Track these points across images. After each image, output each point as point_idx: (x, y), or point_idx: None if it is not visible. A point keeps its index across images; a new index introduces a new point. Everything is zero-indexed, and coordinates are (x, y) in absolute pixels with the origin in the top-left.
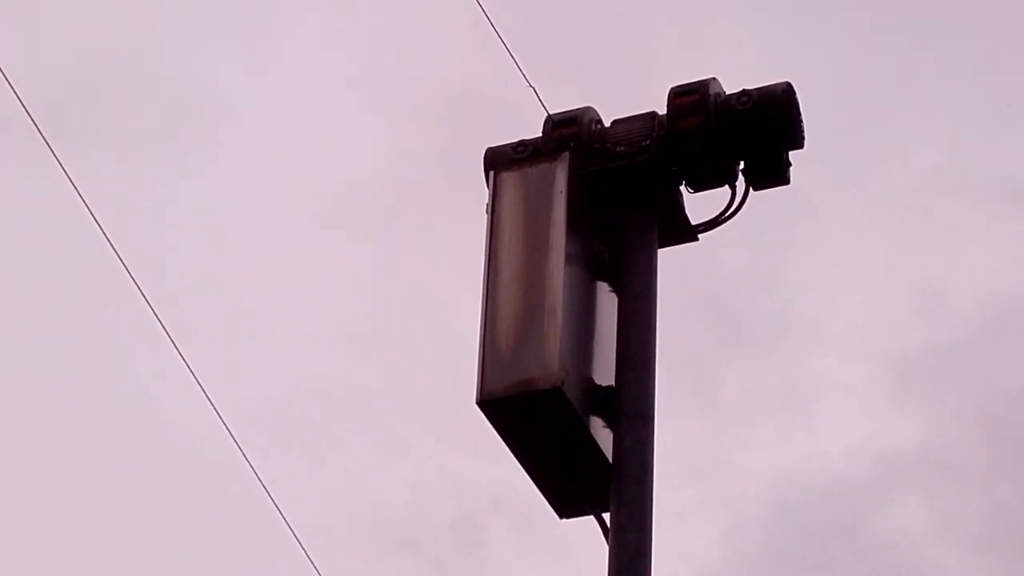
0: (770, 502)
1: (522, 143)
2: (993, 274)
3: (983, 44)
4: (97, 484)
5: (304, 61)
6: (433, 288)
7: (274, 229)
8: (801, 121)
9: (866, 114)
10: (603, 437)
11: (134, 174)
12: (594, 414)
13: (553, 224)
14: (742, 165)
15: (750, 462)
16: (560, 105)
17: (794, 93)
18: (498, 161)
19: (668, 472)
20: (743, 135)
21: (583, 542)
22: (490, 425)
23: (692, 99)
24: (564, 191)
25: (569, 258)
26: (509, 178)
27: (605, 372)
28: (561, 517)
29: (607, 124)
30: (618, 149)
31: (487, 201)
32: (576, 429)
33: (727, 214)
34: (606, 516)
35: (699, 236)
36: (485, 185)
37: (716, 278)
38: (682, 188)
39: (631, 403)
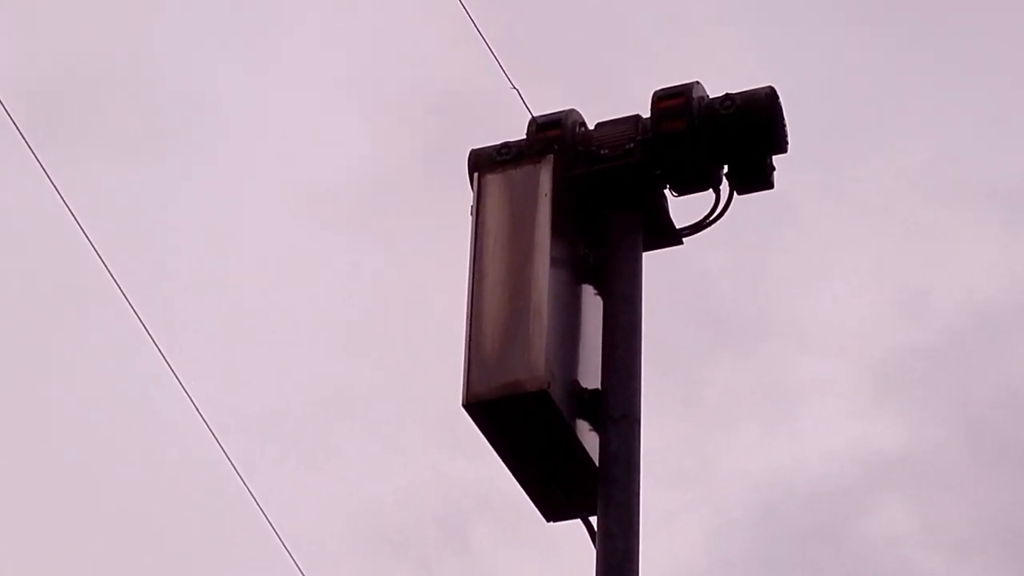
0: (754, 504)
1: (506, 145)
2: (976, 277)
3: (967, 47)
4: (85, 486)
5: (295, 61)
6: (421, 288)
7: (264, 229)
8: (784, 125)
9: (850, 117)
10: (589, 440)
11: (126, 175)
12: (580, 417)
13: (538, 226)
14: (726, 169)
15: (734, 464)
16: (544, 107)
17: (777, 97)
18: (482, 163)
19: (652, 474)
20: (727, 139)
21: (570, 542)
22: (476, 428)
23: (676, 102)
24: (549, 194)
25: (554, 261)
26: (494, 180)
27: (591, 375)
28: (548, 520)
29: (591, 127)
30: (602, 152)
31: (472, 203)
32: (562, 432)
33: (711, 218)
34: (593, 520)
35: (683, 239)
36: (469, 187)
37: (700, 280)
38: (666, 191)
39: (617, 406)
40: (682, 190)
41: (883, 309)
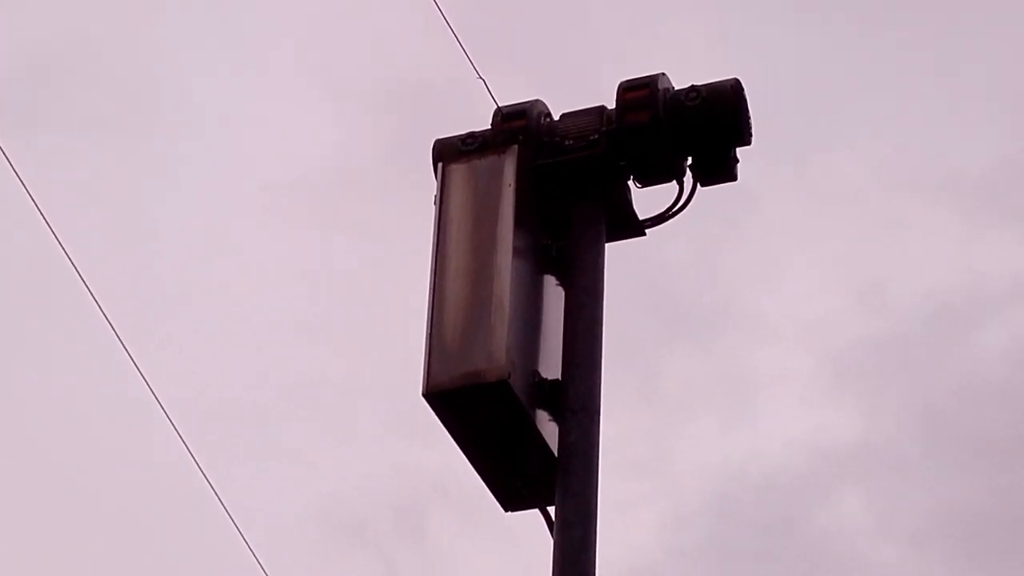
0: (710, 494)
1: (471, 135)
2: (934, 269)
3: (929, 38)
4: (46, 478)
5: (254, 49)
6: (379, 277)
7: (227, 220)
8: (749, 118)
9: (810, 107)
10: (548, 431)
11: (87, 165)
12: (540, 407)
13: (501, 217)
14: (690, 161)
15: (690, 455)
16: (509, 97)
17: (742, 90)
18: (446, 153)
19: (609, 464)
20: (691, 131)
21: (528, 531)
22: (435, 417)
23: (641, 94)
24: (513, 184)
25: (517, 251)
26: (457, 170)
27: (551, 365)
28: (506, 510)
29: (556, 117)
30: (567, 143)
31: (435, 193)
32: (522, 422)
33: (674, 209)
34: (551, 509)
35: (646, 231)
36: (433, 176)
37: (658, 270)
38: (630, 183)
39: (577, 397)
40: (646, 181)
41: (841, 300)
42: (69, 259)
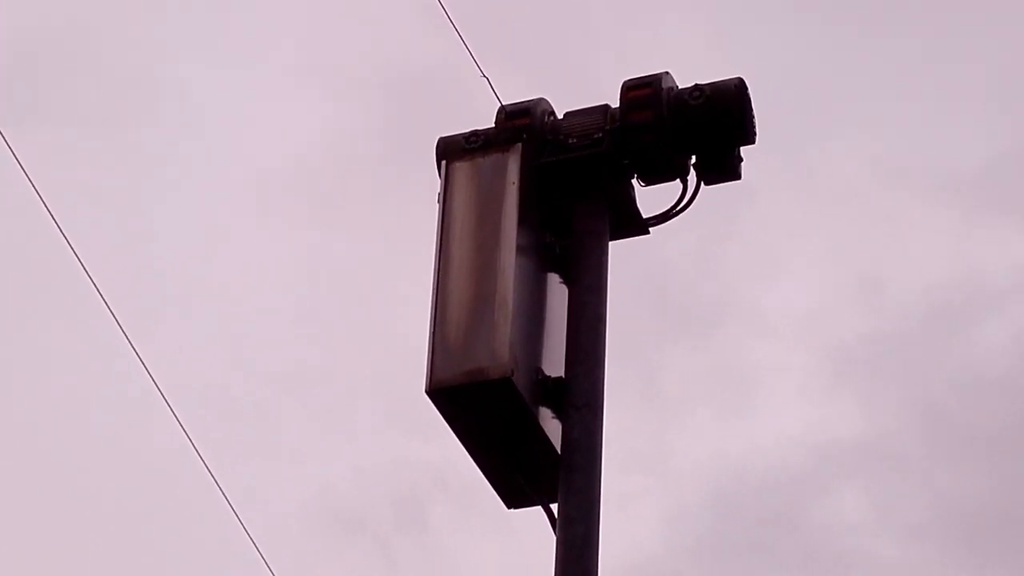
0: (709, 489)
1: (475, 133)
2: (932, 264)
3: (927, 34)
4: (38, 469)
5: (253, 40)
6: (378, 271)
7: (220, 211)
8: (753, 117)
9: (807, 103)
10: (552, 428)
11: (73, 151)
12: (543, 404)
13: (505, 215)
14: (694, 159)
15: (690, 449)
16: (513, 96)
17: (746, 89)
18: (450, 151)
19: (609, 459)
20: (695, 130)
21: (529, 522)
22: (437, 412)
23: (645, 93)
24: (516, 182)
25: (520, 249)
26: (461, 168)
27: (555, 363)
28: (509, 507)
29: (560, 116)
30: (571, 141)
31: (439, 191)
32: (525, 419)
33: (678, 208)
34: (554, 506)
35: (650, 229)
36: (436, 172)
37: (657, 266)
38: (634, 181)
39: (580, 394)
40: (650, 180)
41: (840, 295)
42: (73, 251)
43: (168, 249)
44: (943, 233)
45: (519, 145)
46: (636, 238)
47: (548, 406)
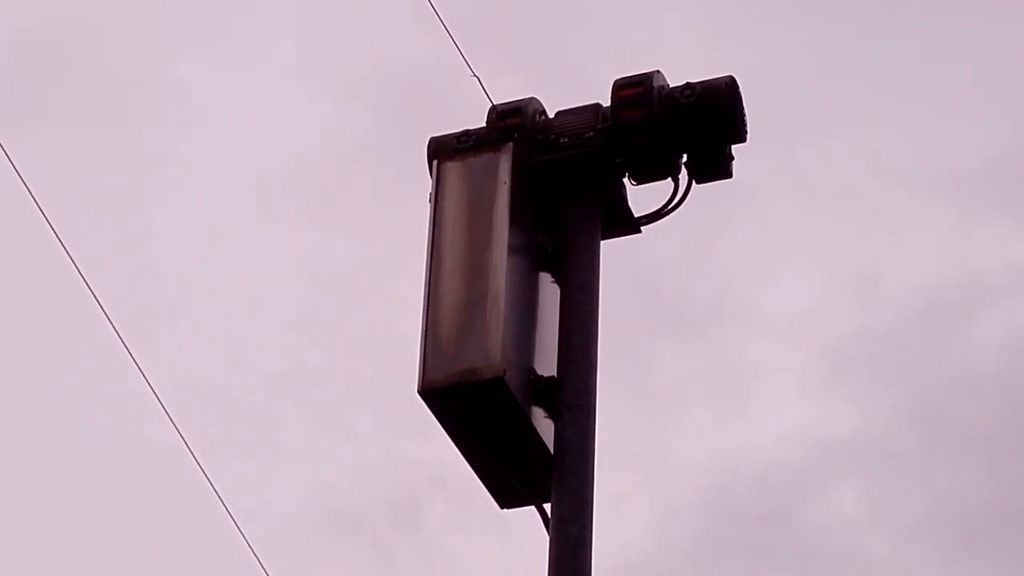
0: (705, 488)
1: (466, 133)
2: (928, 262)
3: (923, 33)
4: (36, 470)
5: (253, 40)
6: (374, 271)
7: (217, 211)
8: (744, 115)
9: (803, 102)
10: (544, 427)
11: (73, 151)
12: (535, 404)
13: (496, 214)
14: (685, 158)
15: (685, 448)
16: (504, 95)
17: (737, 87)
18: (442, 150)
19: (602, 457)
20: (686, 128)
21: (524, 523)
22: (431, 414)
23: (636, 91)
24: (508, 182)
25: (512, 249)
26: (453, 168)
27: (547, 362)
28: (502, 507)
29: (551, 115)
30: (562, 140)
31: (430, 191)
32: (517, 419)
33: (670, 207)
34: (547, 506)
35: (642, 228)
36: (427, 172)
37: (651, 264)
38: (625, 180)
39: (573, 394)
40: (641, 179)
41: (835, 293)
42: (68, 254)
43: (168, 249)
44: (941, 232)
45: (510, 145)
46: (628, 237)
47: (541, 406)
